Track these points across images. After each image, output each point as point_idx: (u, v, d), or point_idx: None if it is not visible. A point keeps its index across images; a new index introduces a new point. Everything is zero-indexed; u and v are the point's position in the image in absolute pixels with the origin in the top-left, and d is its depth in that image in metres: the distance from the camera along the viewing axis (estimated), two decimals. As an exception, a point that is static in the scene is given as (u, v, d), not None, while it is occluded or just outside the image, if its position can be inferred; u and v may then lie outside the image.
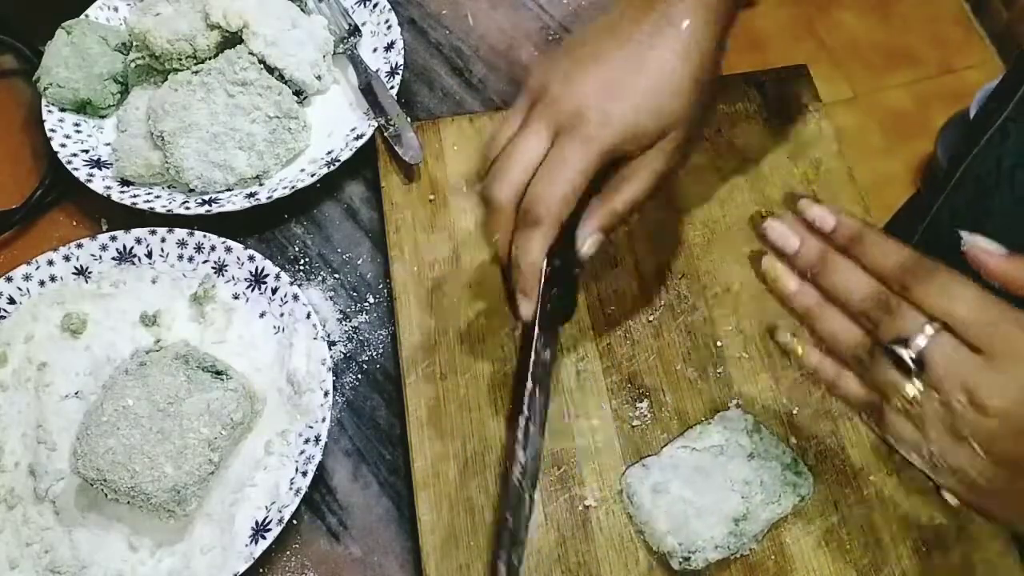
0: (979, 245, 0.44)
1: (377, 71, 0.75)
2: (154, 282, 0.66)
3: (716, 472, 0.55)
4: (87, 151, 0.72)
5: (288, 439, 0.60)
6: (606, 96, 0.51)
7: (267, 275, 0.65)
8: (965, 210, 0.68)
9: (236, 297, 0.66)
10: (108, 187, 0.69)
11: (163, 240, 0.66)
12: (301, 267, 0.70)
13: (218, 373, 0.59)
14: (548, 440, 0.59)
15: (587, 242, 0.53)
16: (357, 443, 0.63)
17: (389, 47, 0.76)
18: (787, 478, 0.55)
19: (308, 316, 0.63)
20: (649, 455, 0.58)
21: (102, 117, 0.75)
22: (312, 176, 0.69)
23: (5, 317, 0.64)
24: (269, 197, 0.68)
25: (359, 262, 0.70)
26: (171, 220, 0.68)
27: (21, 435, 0.61)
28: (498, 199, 0.52)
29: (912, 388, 0.42)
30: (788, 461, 0.56)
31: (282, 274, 0.65)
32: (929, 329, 0.42)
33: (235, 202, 0.68)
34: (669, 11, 0.53)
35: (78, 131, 0.73)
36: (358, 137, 0.71)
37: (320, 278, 0.69)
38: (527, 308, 0.53)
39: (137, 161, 0.69)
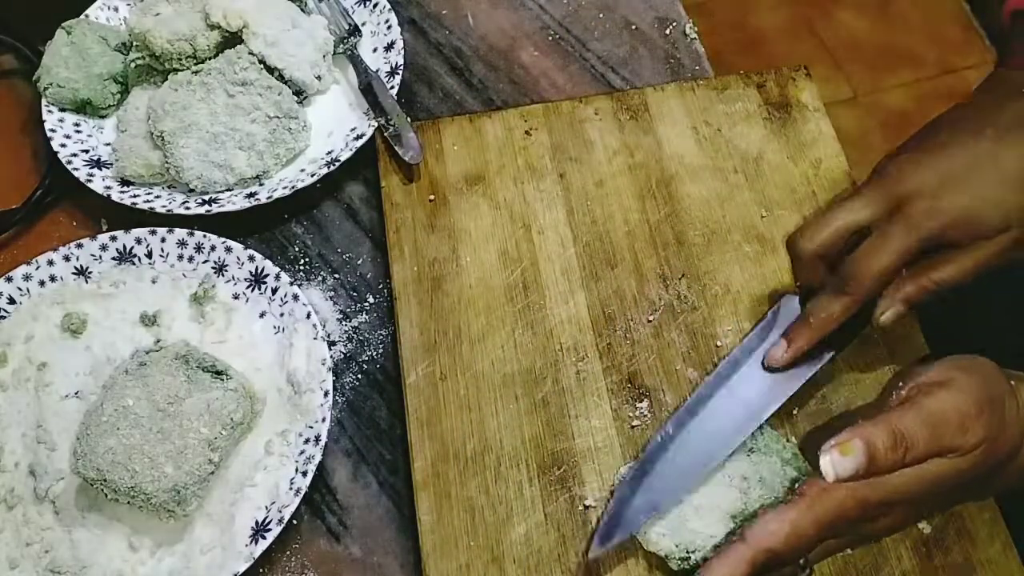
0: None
1: (377, 71, 0.75)
2: (154, 282, 0.66)
3: (712, 471, 0.55)
4: (87, 151, 0.72)
5: (288, 439, 0.60)
6: (940, 186, 0.53)
7: (267, 275, 0.65)
8: None
9: (236, 297, 0.66)
10: (108, 187, 0.69)
11: (163, 240, 0.66)
12: (301, 267, 0.70)
13: (218, 373, 0.59)
14: (550, 440, 0.59)
15: (888, 312, 0.55)
16: (357, 443, 0.63)
17: (389, 47, 0.76)
18: (787, 473, 0.55)
19: (308, 316, 0.63)
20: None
21: (102, 117, 0.75)
22: (312, 176, 0.69)
23: (5, 317, 0.64)
24: (269, 197, 0.68)
25: (359, 262, 0.70)
26: (171, 220, 0.68)
27: (21, 435, 0.61)
28: (802, 251, 0.55)
29: None
30: (788, 456, 0.56)
31: (282, 274, 0.65)
32: None
33: (235, 202, 0.68)
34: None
35: (78, 131, 0.73)
36: (358, 137, 0.71)
37: (320, 278, 0.69)
38: (778, 356, 0.57)
39: (137, 161, 0.69)
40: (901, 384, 0.49)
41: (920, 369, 0.49)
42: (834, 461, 0.44)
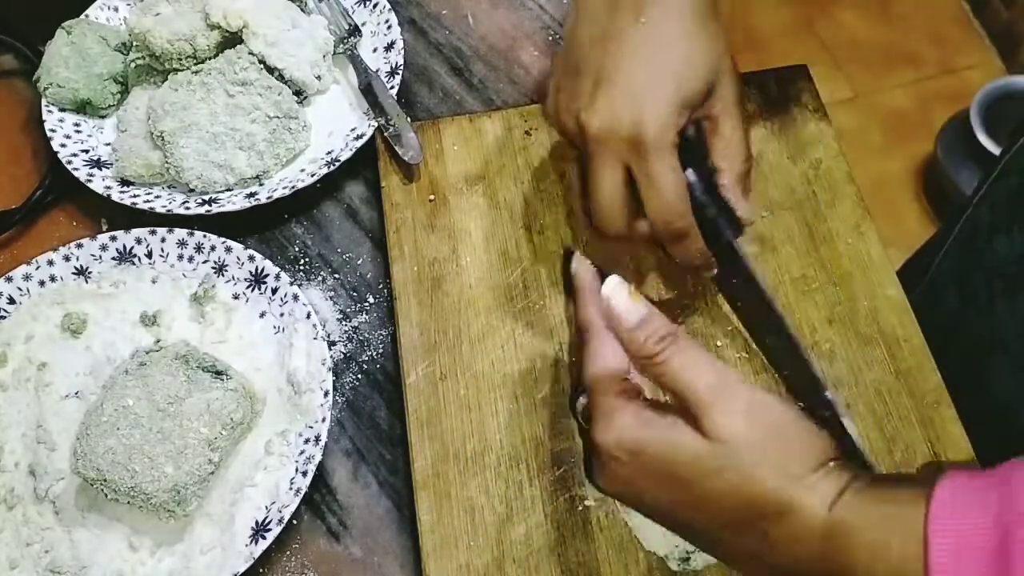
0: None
1: (377, 71, 0.75)
2: (154, 282, 0.66)
3: None
4: (87, 151, 0.72)
5: (288, 439, 0.60)
6: (648, 102, 0.52)
7: (267, 275, 0.65)
8: (1006, 201, 0.68)
9: (236, 297, 0.66)
10: (108, 187, 0.69)
11: (163, 240, 0.66)
12: (301, 267, 0.70)
13: (218, 373, 0.59)
14: (549, 440, 0.59)
15: (747, 211, 0.56)
16: (357, 443, 0.63)
17: (389, 47, 0.76)
18: None
19: (308, 316, 0.63)
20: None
21: (102, 117, 0.75)
22: (312, 176, 0.69)
23: (5, 317, 0.64)
24: (269, 197, 0.68)
25: (359, 262, 0.70)
26: (171, 220, 0.68)
27: (21, 435, 0.61)
28: (618, 232, 0.56)
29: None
30: None
31: (282, 274, 0.65)
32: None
33: (235, 202, 0.68)
34: None
35: (78, 131, 0.73)
36: (358, 137, 0.71)
37: (320, 278, 0.69)
38: (711, 272, 0.57)
39: (137, 161, 0.69)
40: None
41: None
42: (620, 286, 0.46)
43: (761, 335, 0.59)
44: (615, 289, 0.46)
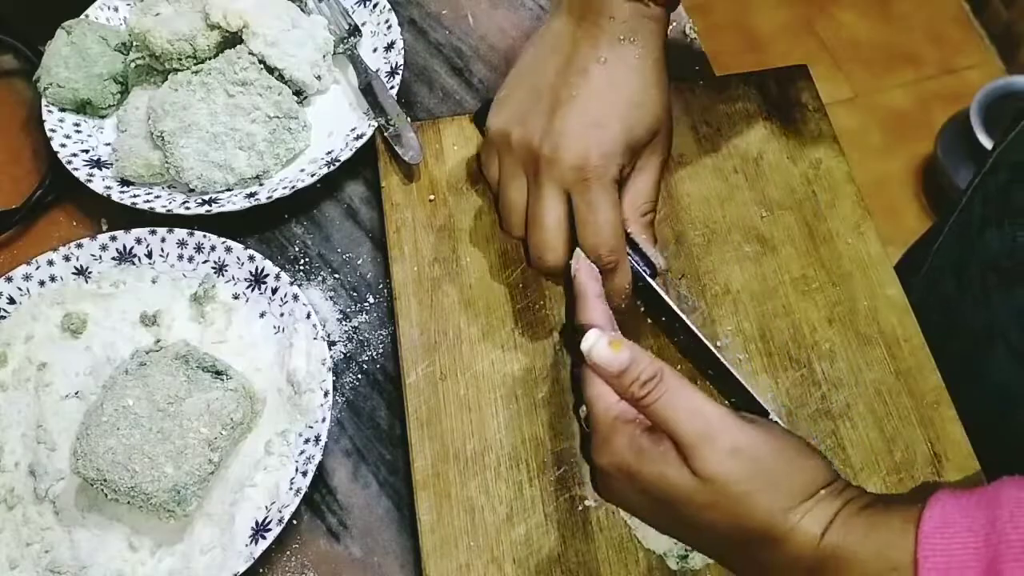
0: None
1: (377, 71, 0.75)
2: (154, 282, 0.66)
3: None
4: (87, 151, 0.72)
5: (288, 439, 0.60)
6: (598, 135, 0.56)
7: (267, 275, 0.65)
8: (997, 195, 0.68)
9: (236, 297, 0.66)
10: (108, 187, 0.69)
11: (163, 240, 0.66)
12: (301, 267, 0.70)
13: (218, 373, 0.59)
14: (549, 440, 0.59)
15: (660, 260, 0.60)
16: (357, 443, 0.63)
17: (389, 47, 0.76)
18: None
19: (308, 316, 0.63)
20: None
21: (102, 117, 0.75)
22: (312, 176, 0.69)
23: (5, 317, 0.64)
24: (269, 197, 0.68)
25: (359, 262, 0.70)
26: (171, 220, 0.68)
27: (21, 435, 0.61)
28: (556, 265, 0.59)
29: None
30: None
31: (282, 274, 0.65)
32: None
33: (235, 202, 0.68)
34: (617, 29, 0.57)
35: (78, 131, 0.73)
36: (358, 137, 0.71)
37: (320, 278, 0.69)
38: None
39: (137, 161, 0.69)
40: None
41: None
42: (598, 340, 0.47)
43: (702, 366, 0.61)
44: (595, 343, 0.48)
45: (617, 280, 0.58)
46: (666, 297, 0.60)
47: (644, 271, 0.60)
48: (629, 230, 0.59)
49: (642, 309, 0.63)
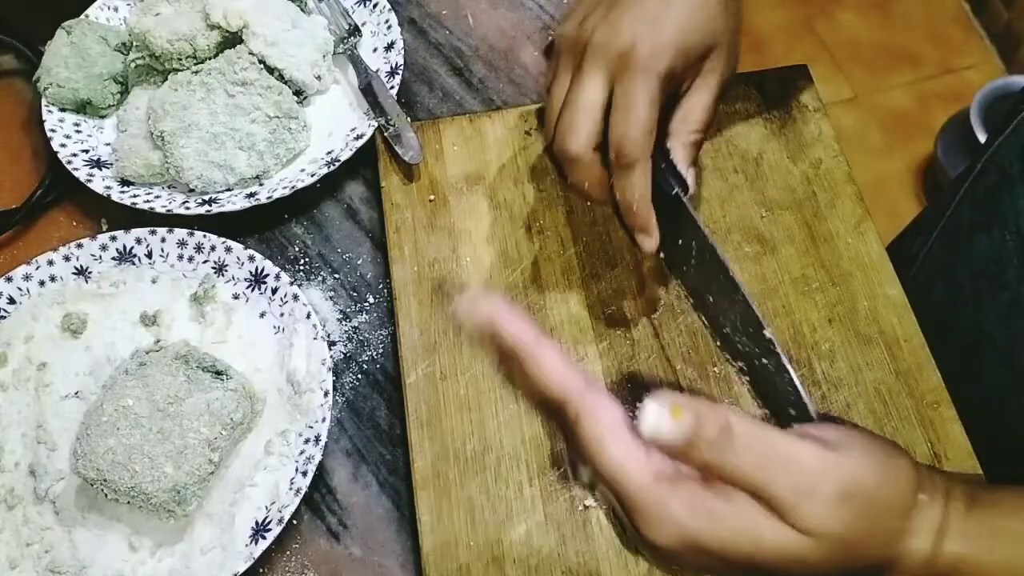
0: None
1: (377, 71, 0.75)
2: (154, 282, 0.67)
3: None
4: (87, 151, 0.72)
5: (288, 439, 0.60)
6: (650, 28, 0.55)
7: (267, 275, 0.65)
8: (985, 199, 0.68)
9: (236, 297, 0.66)
10: (108, 187, 0.69)
11: (163, 240, 0.66)
12: (301, 267, 0.70)
13: (218, 373, 0.59)
14: (549, 440, 0.59)
15: (690, 176, 0.57)
16: (357, 443, 0.63)
17: (389, 47, 0.76)
18: None
19: (308, 316, 0.63)
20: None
21: (102, 117, 0.75)
22: (312, 176, 0.69)
23: (5, 317, 0.64)
24: (269, 197, 0.68)
25: (359, 262, 0.70)
26: (171, 220, 0.68)
27: (21, 435, 0.61)
28: (576, 152, 0.56)
29: None
30: None
31: (282, 274, 0.65)
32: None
33: (235, 202, 0.68)
34: None
35: (78, 131, 0.73)
36: (358, 137, 0.71)
37: (320, 278, 0.69)
38: (650, 242, 0.58)
39: (137, 161, 0.69)
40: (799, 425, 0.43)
41: (834, 424, 0.43)
42: (659, 415, 0.38)
43: (710, 297, 0.59)
44: (659, 422, 0.38)
45: (631, 180, 0.55)
46: (694, 214, 0.57)
47: (674, 184, 0.57)
48: (669, 144, 0.57)
49: (661, 255, 0.60)
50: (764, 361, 0.55)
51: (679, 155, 0.57)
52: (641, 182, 0.56)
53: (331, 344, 0.66)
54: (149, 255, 0.67)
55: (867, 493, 0.39)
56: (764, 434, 0.39)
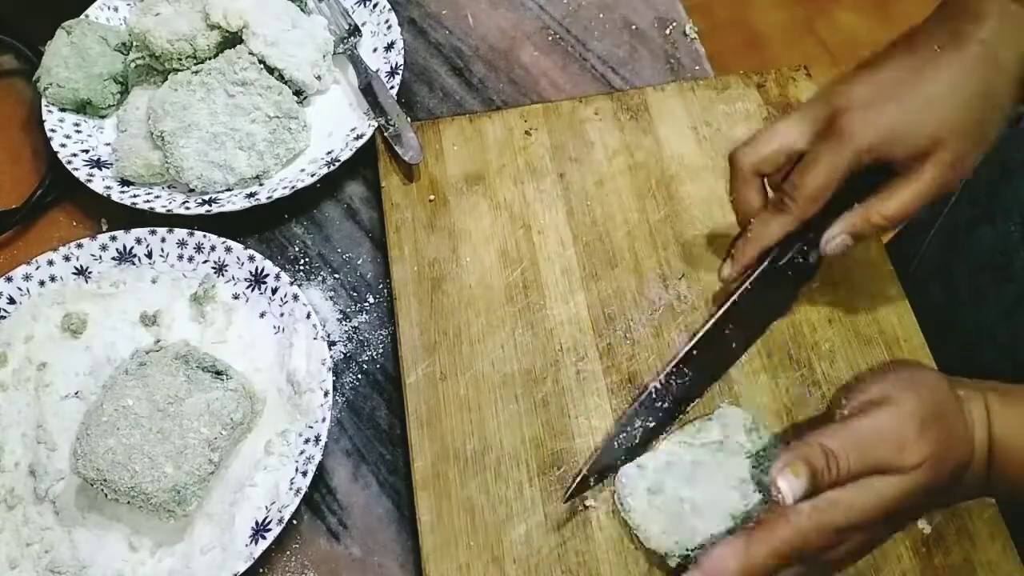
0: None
1: (377, 71, 0.75)
2: (154, 282, 0.66)
3: (714, 469, 0.55)
4: (87, 151, 0.72)
5: (288, 439, 0.60)
6: (874, 97, 0.53)
7: (267, 275, 0.65)
8: (985, 195, 0.68)
9: (236, 297, 0.66)
10: (108, 187, 0.69)
11: (163, 240, 0.66)
12: (301, 267, 0.70)
13: (218, 373, 0.59)
14: (549, 440, 0.59)
15: (834, 242, 0.56)
16: (357, 443, 0.63)
17: (389, 47, 0.76)
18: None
19: (308, 316, 0.63)
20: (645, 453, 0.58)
21: (102, 117, 0.75)
22: (312, 176, 0.69)
23: (5, 317, 0.64)
24: (269, 197, 0.68)
25: (359, 262, 0.70)
26: (171, 220, 0.68)
27: (21, 435, 0.61)
28: (741, 162, 0.56)
29: None
30: None
31: (282, 274, 0.65)
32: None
33: (235, 202, 0.68)
34: (964, 25, 0.53)
35: (78, 131, 0.73)
36: (358, 137, 0.71)
37: (320, 278, 0.69)
38: (727, 270, 0.58)
39: (137, 161, 0.69)
40: (844, 401, 0.49)
41: (862, 386, 0.49)
42: (791, 483, 0.44)
43: (711, 347, 0.59)
44: (791, 488, 0.45)
45: (770, 224, 0.56)
46: (785, 293, 0.58)
47: (797, 259, 0.57)
48: (842, 219, 0.55)
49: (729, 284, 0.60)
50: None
51: (842, 220, 0.55)
52: (776, 230, 0.56)
53: (331, 344, 0.66)
54: (149, 255, 0.67)
55: (931, 412, 0.46)
56: (847, 433, 0.46)
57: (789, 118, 0.56)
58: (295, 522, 0.59)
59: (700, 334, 0.58)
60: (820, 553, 0.46)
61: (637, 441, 0.57)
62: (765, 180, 0.58)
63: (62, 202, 0.73)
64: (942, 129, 0.52)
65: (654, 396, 0.57)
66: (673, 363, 0.58)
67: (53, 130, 0.71)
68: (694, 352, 0.58)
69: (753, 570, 0.45)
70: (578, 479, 0.55)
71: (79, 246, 0.66)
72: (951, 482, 0.48)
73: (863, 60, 0.57)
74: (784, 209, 0.55)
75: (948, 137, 0.52)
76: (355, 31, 0.78)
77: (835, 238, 0.56)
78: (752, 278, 0.58)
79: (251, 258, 0.65)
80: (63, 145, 0.71)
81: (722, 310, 0.58)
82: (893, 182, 0.54)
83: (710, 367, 0.60)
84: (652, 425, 0.57)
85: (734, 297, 0.58)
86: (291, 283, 0.64)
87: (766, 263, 0.58)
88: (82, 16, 0.77)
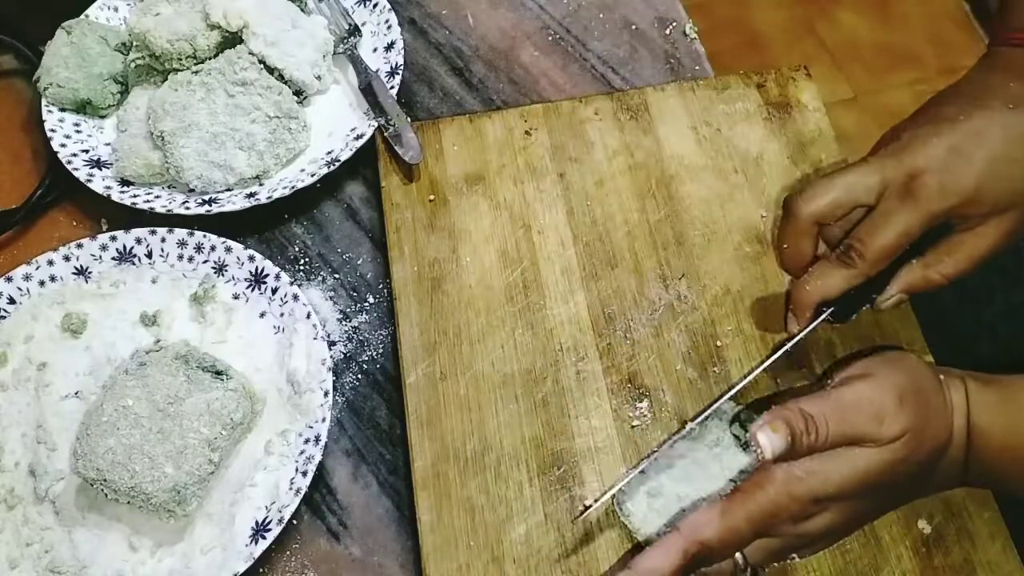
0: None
1: (377, 71, 0.75)
2: (154, 282, 0.66)
3: (712, 464, 0.55)
4: (87, 151, 0.72)
5: (288, 439, 0.60)
6: (949, 160, 0.52)
7: (267, 275, 0.65)
8: None
9: (236, 297, 0.66)
10: (108, 187, 0.69)
11: (163, 240, 0.66)
12: (301, 267, 0.70)
13: (218, 373, 0.59)
14: (549, 440, 0.59)
15: (890, 300, 0.56)
16: (357, 443, 0.63)
17: (389, 47, 0.76)
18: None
19: (308, 316, 0.63)
20: (644, 456, 0.58)
21: (102, 117, 0.75)
22: (312, 176, 0.69)
23: (5, 317, 0.64)
24: (269, 197, 0.68)
25: (359, 262, 0.70)
26: (171, 220, 0.68)
27: (21, 435, 0.61)
28: (800, 211, 0.56)
29: None
30: None
31: (282, 274, 0.65)
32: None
33: (235, 202, 0.68)
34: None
35: (78, 131, 0.73)
36: (358, 137, 0.71)
37: (320, 278, 0.69)
38: (794, 327, 0.59)
39: (137, 161, 0.69)
40: (830, 381, 0.51)
41: (849, 362, 0.51)
42: (770, 438, 0.46)
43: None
44: (771, 442, 0.47)
45: (828, 278, 0.56)
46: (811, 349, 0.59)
47: (849, 308, 0.58)
48: (899, 275, 0.56)
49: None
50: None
51: (900, 277, 0.56)
52: (837, 285, 0.56)
53: (331, 344, 0.66)
54: (149, 255, 0.67)
55: (911, 388, 0.48)
56: (827, 400, 0.48)
57: (855, 170, 0.55)
58: (295, 522, 0.59)
59: (747, 379, 0.57)
60: (795, 523, 0.47)
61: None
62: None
63: (62, 202, 0.73)
64: (1016, 194, 0.52)
65: (683, 431, 0.56)
66: (713, 405, 0.58)
67: (53, 130, 0.71)
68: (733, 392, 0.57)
69: (729, 534, 0.46)
70: (593, 506, 0.54)
71: (79, 246, 0.66)
72: (928, 462, 0.49)
73: (926, 108, 0.57)
74: (850, 264, 0.55)
75: (1017, 201, 0.52)
76: (355, 31, 0.78)
77: (892, 297, 0.56)
78: (807, 330, 0.58)
79: (251, 258, 0.65)
80: (63, 145, 0.71)
81: (771, 359, 0.58)
82: (952, 239, 0.54)
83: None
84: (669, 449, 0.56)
85: (787, 347, 0.58)
86: (291, 283, 0.64)
87: (823, 316, 0.58)
88: (82, 16, 0.77)
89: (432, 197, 0.69)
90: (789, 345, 0.58)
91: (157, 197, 0.69)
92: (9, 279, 0.65)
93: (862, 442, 0.47)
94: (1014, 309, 0.66)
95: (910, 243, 0.54)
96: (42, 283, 0.65)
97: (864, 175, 0.54)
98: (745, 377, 0.57)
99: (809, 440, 0.46)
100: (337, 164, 0.69)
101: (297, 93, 0.73)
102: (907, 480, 0.49)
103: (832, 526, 0.48)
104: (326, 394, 0.60)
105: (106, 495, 0.55)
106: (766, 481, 0.47)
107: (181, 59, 0.71)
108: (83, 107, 0.73)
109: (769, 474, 0.47)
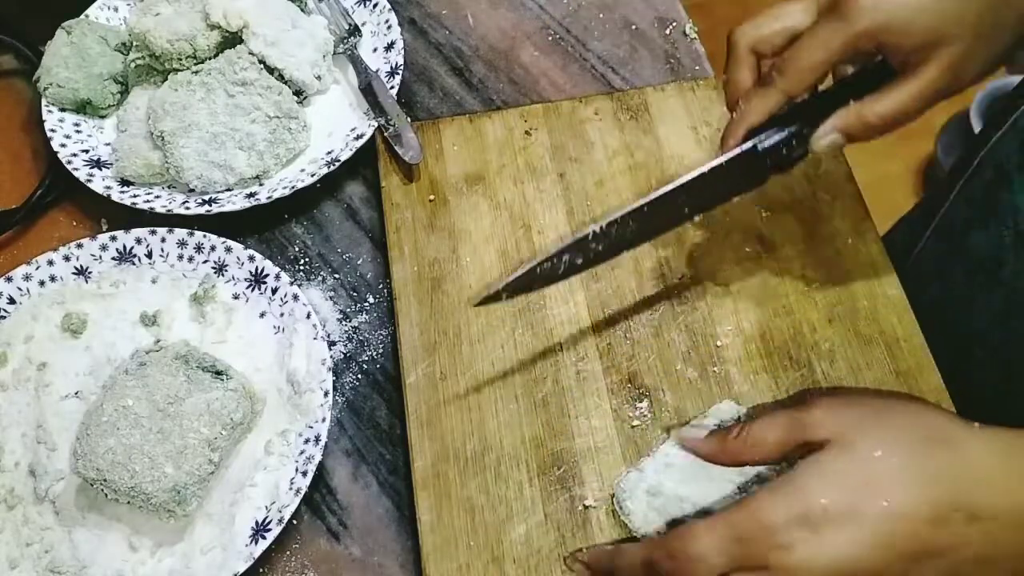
0: (684, 435, 0.49)
1: (377, 71, 0.75)
2: (154, 282, 0.66)
3: (712, 465, 0.55)
4: (87, 151, 0.72)
5: (288, 439, 0.60)
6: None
7: (267, 275, 0.65)
8: (982, 197, 0.68)
9: (236, 297, 0.66)
10: (108, 187, 0.69)
11: (163, 240, 0.66)
12: (301, 267, 0.70)
13: (218, 373, 0.59)
14: (549, 440, 0.59)
15: (825, 139, 0.53)
16: (357, 443, 0.63)
17: (389, 47, 0.76)
18: (784, 468, 0.55)
19: (308, 316, 0.63)
20: (645, 456, 0.58)
21: (102, 117, 0.75)
22: (312, 176, 0.69)
23: (5, 317, 0.64)
24: (269, 197, 0.68)
25: (359, 262, 0.70)
26: (171, 220, 0.68)
27: (21, 435, 0.61)
28: (738, 40, 0.54)
29: None
30: None
31: (282, 274, 0.65)
32: None
33: (235, 202, 0.68)
34: None
35: (78, 131, 0.73)
36: (358, 137, 0.71)
37: (320, 278, 0.69)
38: (725, 145, 0.55)
39: (137, 161, 0.69)
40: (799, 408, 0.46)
41: (823, 405, 0.45)
42: (697, 441, 0.48)
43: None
44: (696, 441, 0.48)
45: (755, 100, 0.53)
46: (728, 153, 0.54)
47: (781, 148, 0.54)
48: (838, 113, 0.52)
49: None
50: None
51: (834, 117, 0.53)
52: (762, 105, 0.53)
53: (331, 344, 0.66)
54: (149, 255, 0.67)
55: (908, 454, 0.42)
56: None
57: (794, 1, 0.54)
58: (295, 522, 0.59)
59: (656, 194, 0.54)
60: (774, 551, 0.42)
61: (560, 272, 0.55)
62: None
63: (62, 202, 0.73)
64: (949, 23, 0.49)
65: (590, 238, 0.54)
66: (620, 214, 0.54)
67: (53, 130, 0.72)
68: (644, 208, 0.55)
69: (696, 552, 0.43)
70: (491, 291, 0.54)
71: (79, 246, 0.66)
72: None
73: None
74: (770, 83, 0.53)
75: (954, 33, 0.49)
76: (355, 31, 0.78)
77: (826, 135, 0.53)
78: (729, 156, 0.55)
79: (251, 258, 0.65)
80: (63, 145, 0.71)
81: (687, 178, 0.55)
82: (892, 82, 0.52)
83: (655, 224, 0.57)
84: (579, 263, 0.55)
85: (703, 169, 0.55)
86: (291, 283, 0.64)
87: (748, 145, 0.54)
88: (82, 16, 0.77)
89: (432, 197, 0.69)
90: (706, 168, 0.55)
91: (157, 197, 0.69)
92: (9, 279, 0.65)
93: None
94: (998, 316, 0.66)
95: (832, 63, 0.52)
96: (42, 283, 0.65)
97: (801, 1, 0.53)
98: (664, 186, 0.55)
99: (734, 447, 0.47)
100: (337, 164, 0.69)
101: (297, 93, 0.73)
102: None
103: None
104: (326, 394, 0.60)
105: (106, 495, 0.55)
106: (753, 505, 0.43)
107: (181, 59, 0.71)
108: (83, 107, 0.73)
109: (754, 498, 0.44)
